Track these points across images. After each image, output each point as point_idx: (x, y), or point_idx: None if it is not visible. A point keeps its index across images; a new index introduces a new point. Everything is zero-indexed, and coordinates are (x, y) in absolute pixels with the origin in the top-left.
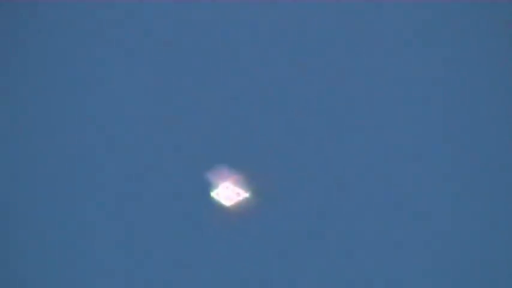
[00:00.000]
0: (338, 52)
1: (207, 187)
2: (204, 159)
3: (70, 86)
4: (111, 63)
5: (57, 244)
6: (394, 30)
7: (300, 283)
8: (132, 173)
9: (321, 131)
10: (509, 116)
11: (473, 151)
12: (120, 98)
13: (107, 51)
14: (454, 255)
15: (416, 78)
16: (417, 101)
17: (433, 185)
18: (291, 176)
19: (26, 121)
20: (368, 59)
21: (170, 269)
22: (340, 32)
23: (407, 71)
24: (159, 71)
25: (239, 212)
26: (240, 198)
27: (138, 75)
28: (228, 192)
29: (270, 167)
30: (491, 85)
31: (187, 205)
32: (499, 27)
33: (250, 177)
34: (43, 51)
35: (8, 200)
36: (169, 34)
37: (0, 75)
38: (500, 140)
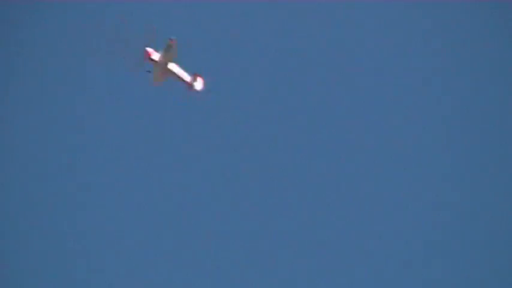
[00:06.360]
0: (337, 52)
1: None
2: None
3: (68, 86)
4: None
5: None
6: (393, 31)
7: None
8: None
9: (320, 130)
10: (509, 116)
11: (473, 151)
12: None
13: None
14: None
15: (416, 79)
16: (418, 101)
17: (433, 184)
18: (289, 175)
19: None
20: (367, 60)
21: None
22: (340, 32)
23: (407, 71)
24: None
25: None
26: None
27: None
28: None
29: (269, 165)
30: (491, 85)
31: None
32: (499, 28)
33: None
34: (41, 52)
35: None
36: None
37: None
38: (500, 138)
